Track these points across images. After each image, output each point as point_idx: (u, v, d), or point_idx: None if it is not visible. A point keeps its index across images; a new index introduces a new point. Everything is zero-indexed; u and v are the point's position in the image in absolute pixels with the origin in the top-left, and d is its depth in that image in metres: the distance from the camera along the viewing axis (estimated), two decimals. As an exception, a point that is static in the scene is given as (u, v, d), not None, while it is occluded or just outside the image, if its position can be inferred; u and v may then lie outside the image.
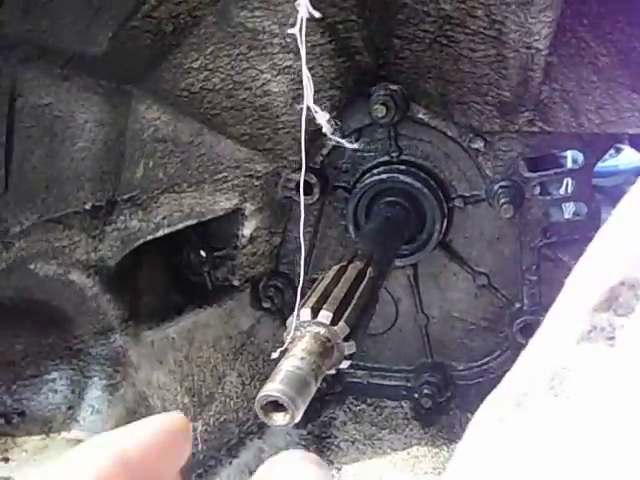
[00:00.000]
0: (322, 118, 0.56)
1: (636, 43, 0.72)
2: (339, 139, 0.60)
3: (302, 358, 0.65)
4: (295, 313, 0.71)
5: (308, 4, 0.53)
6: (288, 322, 0.71)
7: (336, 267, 0.83)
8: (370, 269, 0.83)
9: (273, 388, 0.60)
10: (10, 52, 0.81)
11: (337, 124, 1.03)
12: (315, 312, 0.71)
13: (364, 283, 0.80)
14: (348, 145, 0.64)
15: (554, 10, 0.77)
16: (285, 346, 0.68)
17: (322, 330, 0.70)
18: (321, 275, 0.83)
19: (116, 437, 0.41)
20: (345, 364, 0.72)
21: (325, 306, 0.72)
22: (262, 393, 0.58)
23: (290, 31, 0.54)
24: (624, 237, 0.46)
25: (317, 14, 0.53)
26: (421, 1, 0.88)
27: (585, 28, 0.76)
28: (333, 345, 0.70)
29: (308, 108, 0.56)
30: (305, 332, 0.69)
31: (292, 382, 0.60)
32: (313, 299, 0.74)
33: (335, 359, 0.71)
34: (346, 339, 0.71)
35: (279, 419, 0.59)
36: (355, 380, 1.30)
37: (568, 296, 0.50)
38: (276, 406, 0.59)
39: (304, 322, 0.70)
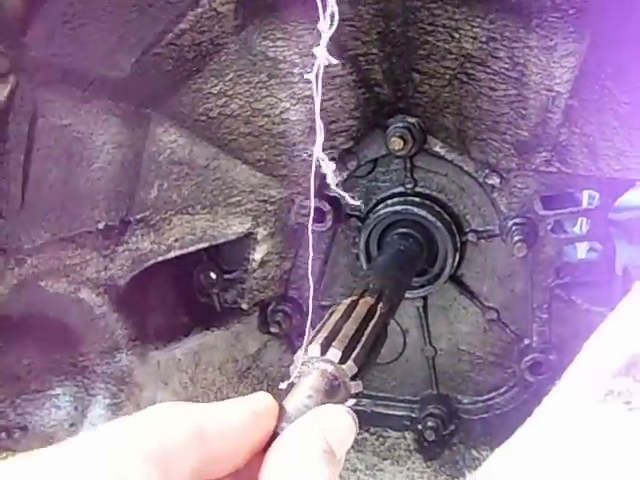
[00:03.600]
0: (328, 169, 0.56)
1: (659, 94, 0.72)
2: (341, 192, 0.60)
3: (309, 396, 0.64)
4: (304, 347, 0.70)
5: (326, 53, 0.53)
6: (296, 356, 0.70)
7: (347, 301, 0.82)
8: (381, 305, 0.82)
9: (281, 426, 0.59)
10: (34, 74, 0.82)
11: (342, 176, 1.05)
12: (324, 349, 0.70)
13: (374, 320, 0.79)
14: (350, 201, 0.64)
15: (577, 56, 0.77)
16: (292, 379, 0.68)
17: (330, 368, 0.69)
18: (331, 309, 0.82)
19: (199, 409, 0.41)
20: (350, 402, 0.72)
21: (334, 343, 0.71)
22: None
23: (306, 76, 0.54)
24: (646, 307, 0.46)
25: (335, 61, 0.53)
26: (443, 39, 0.88)
27: (608, 75, 0.76)
28: (340, 383, 0.69)
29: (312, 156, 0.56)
30: (313, 368, 0.69)
31: None
32: (323, 335, 0.73)
33: (341, 397, 0.70)
34: (353, 378, 0.70)
35: None
36: (359, 408, 1.29)
37: (586, 360, 0.50)
38: None
39: (312, 358, 0.70)
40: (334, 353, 0.69)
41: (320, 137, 0.56)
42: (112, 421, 0.38)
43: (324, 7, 0.50)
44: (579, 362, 0.51)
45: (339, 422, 0.52)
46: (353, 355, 0.71)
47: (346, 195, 0.68)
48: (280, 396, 0.65)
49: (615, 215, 1.72)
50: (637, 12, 0.71)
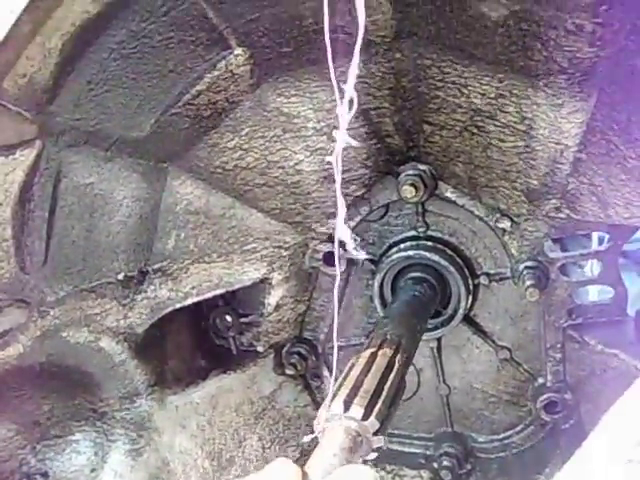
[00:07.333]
0: (348, 237, 0.59)
1: (666, 152, 0.74)
2: (358, 255, 0.64)
3: (335, 454, 0.66)
4: (326, 403, 0.72)
5: (346, 135, 0.55)
6: (320, 413, 0.72)
7: (366, 354, 0.84)
8: (399, 357, 0.84)
9: None
10: (59, 138, 0.85)
11: (357, 239, 1.09)
12: (347, 405, 0.72)
13: (393, 373, 0.81)
14: (362, 257, 0.68)
15: (584, 113, 0.79)
16: (316, 434, 0.70)
17: (353, 425, 0.71)
18: (351, 361, 0.84)
19: None
20: (372, 456, 0.73)
21: (356, 400, 0.73)
22: None
23: (328, 159, 0.57)
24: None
25: (354, 143, 0.56)
26: (453, 94, 0.90)
27: (615, 132, 0.78)
28: (363, 439, 0.71)
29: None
30: (336, 425, 0.70)
31: None
32: (345, 391, 0.75)
33: (364, 452, 0.72)
34: (375, 433, 0.72)
35: None
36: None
37: (607, 428, 0.51)
38: None
39: (335, 415, 0.71)
40: (357, 410, 0.71)
41: (342, 212, 0.58)
42: None
43: (342, 92, 0.53)
44: (600, 429, 0.52)
45: None
46: (375, 411, 0.72)
47: (360, 256, 0.71)
48: (302, 446, 0.66)
49: (626, 245, 1.72)
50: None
